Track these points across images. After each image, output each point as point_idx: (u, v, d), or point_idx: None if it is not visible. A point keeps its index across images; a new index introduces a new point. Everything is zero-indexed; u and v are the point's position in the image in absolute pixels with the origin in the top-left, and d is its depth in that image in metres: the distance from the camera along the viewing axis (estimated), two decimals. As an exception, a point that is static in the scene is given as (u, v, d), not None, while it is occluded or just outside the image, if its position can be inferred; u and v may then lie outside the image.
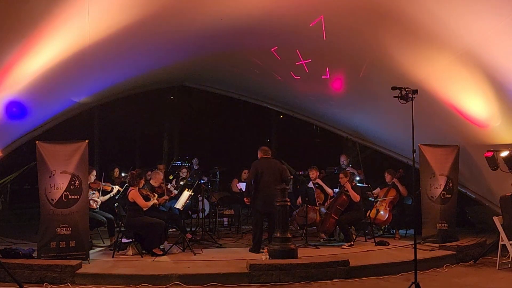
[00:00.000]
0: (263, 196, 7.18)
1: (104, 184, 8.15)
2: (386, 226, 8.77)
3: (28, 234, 8.23)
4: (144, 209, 7.08)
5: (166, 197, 7.77)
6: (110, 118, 16.16)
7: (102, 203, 8.14)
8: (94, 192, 7.87)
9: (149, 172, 8.82)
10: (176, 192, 8.57)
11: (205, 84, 11.47)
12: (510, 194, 6.62)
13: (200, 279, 5.77)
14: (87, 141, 6.65)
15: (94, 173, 8.04)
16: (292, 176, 9.42)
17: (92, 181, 7.93)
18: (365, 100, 8.22)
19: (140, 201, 6.97)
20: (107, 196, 8.19)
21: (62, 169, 6.45)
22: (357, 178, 9.38)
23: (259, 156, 7.51)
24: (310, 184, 8.81)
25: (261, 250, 6.92)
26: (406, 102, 5.12)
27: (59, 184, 6.42)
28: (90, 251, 6.80)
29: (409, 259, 5.90)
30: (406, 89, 5.12)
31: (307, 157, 16.45)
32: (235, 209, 9.62)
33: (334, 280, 5.95)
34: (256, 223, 7.30)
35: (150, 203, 7.25)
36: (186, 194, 7.74)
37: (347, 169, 9.58)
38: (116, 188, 8.27)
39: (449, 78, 6.34)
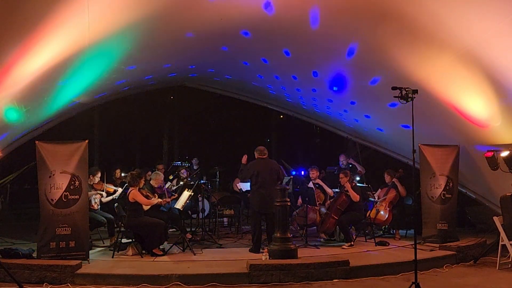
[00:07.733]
0: (260, 196, 7.17)
1: (107, 185, 8.15)
2: (386, 226, 8.77)
3: (28, 234, 8.22)
4: (146, 207, 7.07)
5: (168, 199, 7.75)
6: (110, 118, 16.15)
7: (102, 203, 8.13)
8: (97, 192, 7.87)
9: (150, 172, 8.83)
10: (170, 194, 8.55)
11: (205, 84, 11.47)
12: (510, 194, 6.62)
13: (200, 279, 5.77)
14: (87, 141, 6.65)
15: (99, 174, 8.05)
16: (291, 176, 9.43)
17: (96, 182, 7.94)
18: (365, 99, 8.21)
19: (142, 199, 6.97)
20: (109, 198, 8.19)
21: (62, 169, 6.46)
22: (357, 178, 9.38)
23: (256, 156, 7.50)
24: (310, 184, 8.81)
25: (261, 250, 6.91)
26: (406, 102, 5.13)
27: (59, 184, 6.43)
28: (90, 251, 6.81)
29: (409, 259, 5.91)
30: (406, 89, 5.12)
31: (307, 157, 16.45)
32: (235, 209, 9.62)
33: (334, 280, 5.95)
34: (255, 223, 7.30)
35: (153, 201, 7.25)
36: (186, 194, 7.73)
37: (349, 161, 9.59)
38: (119, 190, 8.26)
39: (449, 78, 6.33)
